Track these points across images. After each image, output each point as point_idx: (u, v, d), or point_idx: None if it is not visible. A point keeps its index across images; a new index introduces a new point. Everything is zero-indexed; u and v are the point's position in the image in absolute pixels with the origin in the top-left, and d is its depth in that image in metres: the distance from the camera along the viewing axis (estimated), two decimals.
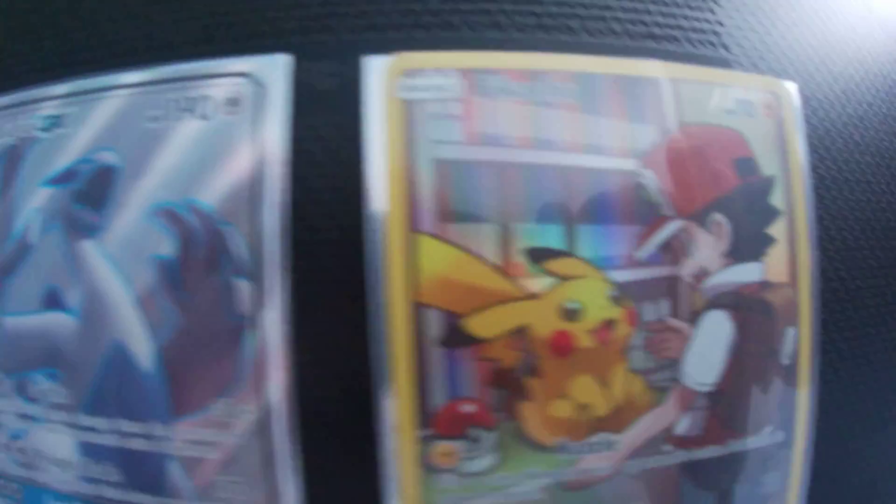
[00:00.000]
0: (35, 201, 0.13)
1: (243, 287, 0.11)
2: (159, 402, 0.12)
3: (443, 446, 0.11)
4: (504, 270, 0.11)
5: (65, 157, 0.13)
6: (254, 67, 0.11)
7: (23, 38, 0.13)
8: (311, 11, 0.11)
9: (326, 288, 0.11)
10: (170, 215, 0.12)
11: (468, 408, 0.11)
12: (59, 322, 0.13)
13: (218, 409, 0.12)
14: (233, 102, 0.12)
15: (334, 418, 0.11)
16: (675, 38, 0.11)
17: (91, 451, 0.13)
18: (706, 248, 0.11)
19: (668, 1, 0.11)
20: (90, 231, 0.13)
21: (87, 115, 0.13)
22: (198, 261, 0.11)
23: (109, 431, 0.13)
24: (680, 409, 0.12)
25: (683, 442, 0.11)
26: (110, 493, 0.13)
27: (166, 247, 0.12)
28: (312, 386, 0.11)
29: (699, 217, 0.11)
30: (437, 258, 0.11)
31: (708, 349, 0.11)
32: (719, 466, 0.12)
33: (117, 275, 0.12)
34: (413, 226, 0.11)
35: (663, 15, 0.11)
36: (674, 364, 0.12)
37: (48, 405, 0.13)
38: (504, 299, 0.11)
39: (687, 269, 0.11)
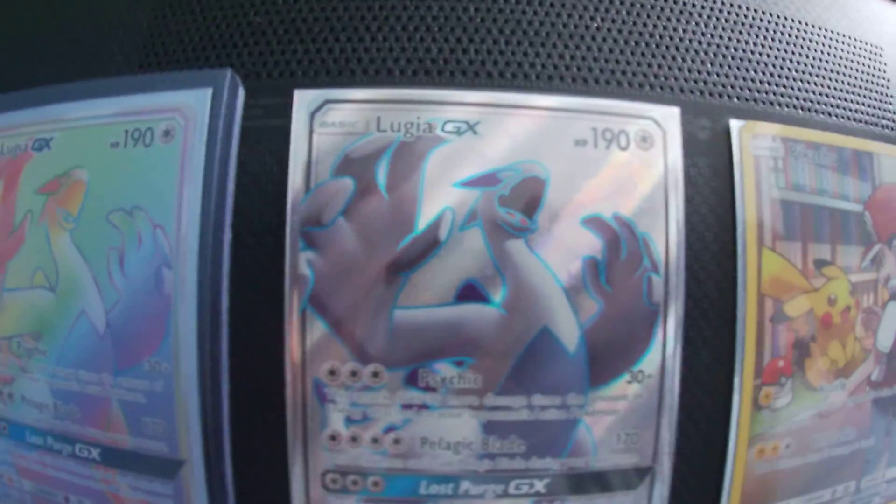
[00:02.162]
0: (446, 199, 0.16)
1: (657, 283, 0.16)
2: (578, 376, 0.16)
3: (765, 390, 0.18)
4: (804, 273, 0.18)
5: (481, 163, 0.16)
6: (660, 117, 0.16)
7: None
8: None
9: (700, 285, 0.17)
10: (600, 224, 0.16)
11: (781, 363, 0.18)
12: (479, 313, 0.16)
13: (626, 378, 0.16)
14: (644, 138, 0.17)
15: (704, 379, 0.17)
16: (881, 127, 0.20)
17: (495, 429, 0.16)
18: (891, 263, 0.21)
19: (874, 102, 0.20)
20: (519, 232, 0.16)
21: (502, 127, 0.16)
22: (622, 260, 0.16)
23: (521, 407, 0.16)
24: (874, 364, 0.20)
25: (875, 385, 0.20)
26: (508, 463, 0.17)
27: (594, 247, 0.16)
28: (693, 359, 0.17)
29: (888, 242, 0.21)
30: (772, 264, 0.18)
31: (888, 325, 0.21)
32: (890, 401, 0.21)
33: (548, 271, 0.16)
34: (760, 242, 0.17)
35: (876, 111, 0.19)
36: (873, 334, 0.20)
37: (450, 392, 0.16)
38: (803, 291, 0.18)
39: (881, 275, 0.20)
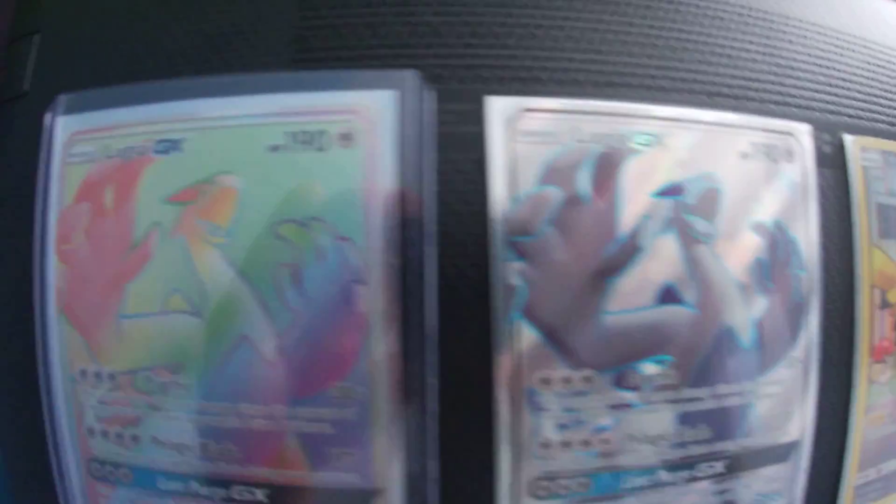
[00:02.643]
0: (642, 208, 0.17)
1: (805, 279, 0.19)
2: (752, 364, 0.18)
3: (875, 367, 0.21)
4: None
5: (672, 173, 0.17)
6: (799, 133, 0.18)
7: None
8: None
9: (829, 278, 0.19)
10: (763, 229, 0.18)
11: (885, 343, 0.21)
12: (676, 314, 0.17)
13: (783, 364, 0.18)
14: (790, 152, 0.19)
15: (834, 359, 0.19)
16: None
17: (688, 419, 0.18)
18: None
19: None
20: (705, 238, 0.18)
21: (683, 140, 0.18)
22: (779, 261, 0.18)
23: (709, 397, 0.18)
24: None
25: None
26: (697, 450, 0.18)
27: (760, 250, 0.18)
28: (825, 342, 0.19)
29: None
30: (878, 259, 0.21)
31: None
32: None
33: (726, 271, 0.17)
34: (870, 241, 0.20)
35: None
36: None
37: (653, 388, 0.17)
38: None
39: None
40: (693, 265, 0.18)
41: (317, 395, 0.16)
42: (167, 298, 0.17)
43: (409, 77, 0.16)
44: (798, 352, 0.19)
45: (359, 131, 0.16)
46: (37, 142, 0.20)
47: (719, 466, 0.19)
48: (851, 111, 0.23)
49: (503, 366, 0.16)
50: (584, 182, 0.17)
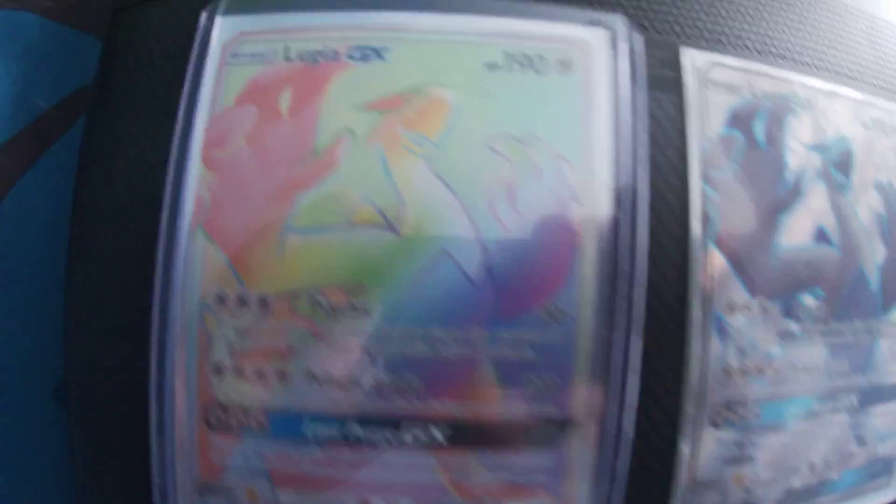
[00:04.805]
0: (802, 159, 0.19)
1: None
2: (878, 304, 0.21)
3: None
4: None
5: (821, 133, 0.20)
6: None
7: None
8: None
9: None
10: (882, 188, 0.22)
11: None
12: (827, 254, 0.20)
13: None
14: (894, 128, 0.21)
15: None
16: None
17: (834, 352, 0.19)
18: None
19: None
20: (843, 189, 0.20)
21: (832, 108, 0.20)
22: (893, 216, 0.20)
23: (849, 332, 0.19)
24: None
25: None
26: (840, 382, 0.20)
27: (880, 206, 0.20)
28: None
29: None
30: None
31: None
32: None
33: (860, 220, 0.19)
34: None
35: None
36: None
37: (811, 319, 0.18)
38: None
39: None
40: (837, 212, 0.21)
41: (521, 317, 0.16)
42: (355, 210, 0.16)
43: (621, 21, 0.17)
44: None
45: (577, 60, 0.17)
46: (179, 46, 0.18)
47: (854, 400, 0.22)
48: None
49: (698, 289, 0.18)
50: (759, 130, 0.19)
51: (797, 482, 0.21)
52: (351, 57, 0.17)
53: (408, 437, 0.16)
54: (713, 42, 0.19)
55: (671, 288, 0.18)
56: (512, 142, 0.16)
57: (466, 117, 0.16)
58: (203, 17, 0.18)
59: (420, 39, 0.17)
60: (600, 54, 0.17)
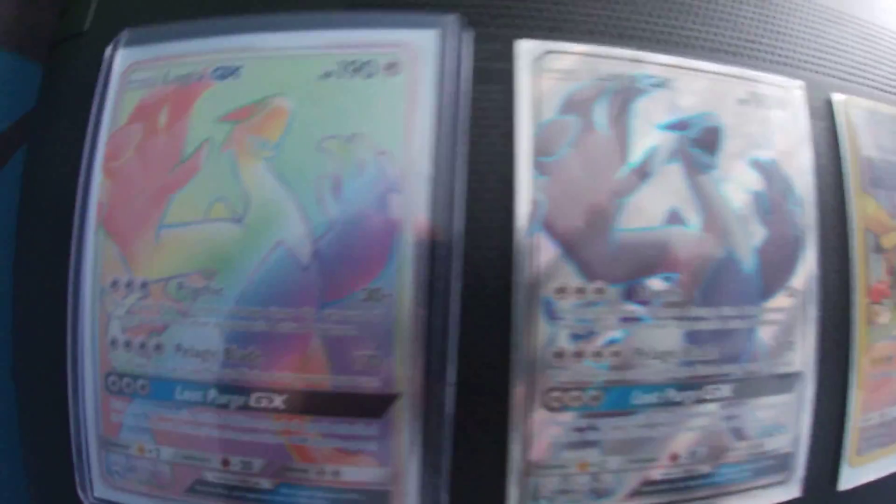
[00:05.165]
0: (651, 139, 0.20)
1: (800, 214, 0.21)
2: (754, 289, 0.20)
3: (873, 308, 0.22)
4: (891, 213, 0.23)
5: (677, 111, 0.20)
6: (793, 87, 0.21)
7: None
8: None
9: (824, 218, 0.21)
10: (761, 165, 0.21)
11: (882, 286, 0.22)
12: (682, 235, 0.20)
13: (783, 293, 0.20)
14: (783, 104, 0.20)
15: (831, 297, 0.21)
16: None
17: (694, 338, 0.19)
18: None
19: None
20: (707, 169, 0.20)
21: (690, 84, 0.20)
22: (776, 195, 0.21)
23: (714, 318, 0.19)
24: None
25: None
26: (704, 370, 0.19)
27: (758, 184, 0.20)
28: (823, 278, 0.21)
29: None
30: (869, 205, 0.22)
31: None
32: None
33: (726, 200, 0.20)
34: (862, 187, 0.22)
35: None
36: None
37: (661, 304, 0.18)
38: (891, 229, 0.24)
39: None
40: (697, 192, 0.20)
41: (346, 297, 0.18)
42: (210, 207, 0.19)
43: (451, 19, 0.19)
44: (797, 282, 0.21)
45: (403, 62, 0.18)
46: (93, 75, 0.23)
47: (726, 390, 0.21)
48: (841, 74, 0.26)
49: (525, 275, 0.18)
50: (600, 113, 0.19)
51: (656, 473, 0.20)
52: (213, 76, 0.20)
53: (255, 404, 0.19)
54: (553, 30, 0.20)
55: (495, 271, 0.18)
56: (339, 141, 0.18)
57: (301, 122, 0.19)
58: (108, 50, 0.23)
59: (267, 56, 0.19)
60: (427, 54, 0.19)
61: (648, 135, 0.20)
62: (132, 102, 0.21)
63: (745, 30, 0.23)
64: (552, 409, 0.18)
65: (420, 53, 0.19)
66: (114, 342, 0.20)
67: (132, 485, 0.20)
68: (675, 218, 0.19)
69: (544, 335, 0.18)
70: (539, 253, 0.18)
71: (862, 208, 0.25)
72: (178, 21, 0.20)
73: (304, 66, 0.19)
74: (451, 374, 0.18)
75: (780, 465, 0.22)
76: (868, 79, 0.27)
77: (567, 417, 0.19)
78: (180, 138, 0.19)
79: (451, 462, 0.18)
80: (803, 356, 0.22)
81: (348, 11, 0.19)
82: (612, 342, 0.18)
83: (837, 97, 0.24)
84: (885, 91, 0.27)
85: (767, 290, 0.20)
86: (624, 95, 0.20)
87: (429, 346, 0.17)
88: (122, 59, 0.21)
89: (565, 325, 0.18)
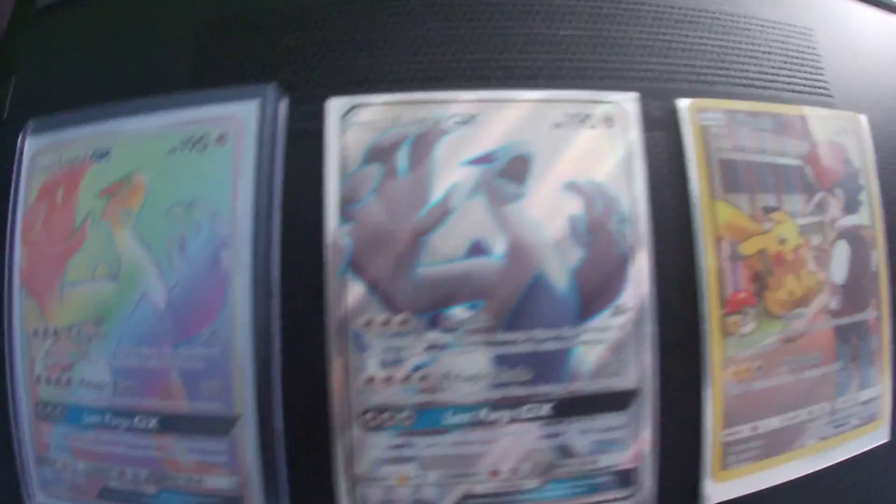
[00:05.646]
0: (454, 176, 0.25)
1: (628, 232, 0.24)
2: (570, 311, 0.24)
3: (732, 318, 0.26)
4: (754, 218, 0.26)
5: (482, 145, 0.25)
6: (621, 100, 0.25)
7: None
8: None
9: (664, 232, 0.24)
10: (578, 188, 0.24)
11: (742, 295, 0.26)
12: (485, 265, 0.24)
13: (609, 312, 0.23)
14: (608, 119, 0.24)
15: (676, 311, 0.24)
16: (813, 94, 0.28)
17: (505, 361, 0.24)
18: (834, 207, 0.28)
19: (806, 75, 0.28)
20: (513, 198, 0.24)
21: (497, 116, 0.25)
22: (598, 215, 0.24)
23: (525, 341, 0.23)
24: (830, 295, 0.28)
25: (834, 314, 0.28)
26: (518, 391, 0.24)
27: (574, 206, 0.24)
28: (664, 293, 0.24)
29: (830, 190, 0.29)
30: (725, 212, 0.26)
31: (839, 260, 0.28)
32: (851, 328, 0.28)
33: (538, 228, 0.23)
34: (712, 194, 0.25)
35: (808, 82, 0.28)
36: (826, 269, 0.28)
37: (466, 331, 0.24)
38: (754, 234, 0.26)
39: (827, 218, 0.28)
40: (502, 222, 0.24)
41: (192, 337, 0.25)
42: (95, 268, 0.27)
43: (268, 89, 0.25)
44: (627, 300, 0.24)
45: (230, 133, 0.25)
46: (11, 157, 0.31)
47: (546, 409, 0.24)
48: (693, 77, 0.28)
49: (335, 311, 0.24)
50: (402, 158, 0.24)
51: (479, 487, 0.24)
52: (92, 158, 0.27)
53: (137, 425, 0.26)
54: (363, 83, 0.25)
55: (310, 310, 0.24)
56: (182, 207, 0.25)
57: (154, 193, 0.26)
58: (20, 137, 0.30)
59: (129, 138, 0.27)
60: (249, 124, 0.25)
61: (451, 172, 0.24)
62: (38, 184, 0.29)
63: (567, 51, 0.26)
64: (369, 429, 0.24)
65: (243, 124, 0.25)
66: (38, 378, 0.28)
67: (61, 493, 0.28)
68: (477, 249, 0.24)
69: (355, 364, 0.23)
70: (347, 291, 0.24)
71: (712, 216, 0.27)
72: (69, 110, 0.28)
73: (156, 144, 0.26)
74: (278, 399, 0.24)
75: (621, 480, 0.25)
76: (729, 76, 0.29)
77: (384, 436, 0.24)
78: (72, 212, 0.27)
79: (290, 474, 0.24)
80: (639, 373, 0.25)
81: (190, 91, 0.26)
82: (418, 368, 0.23)
83: (683, 103, 0.26)
84: (750, 86, 0.28)
85: (588, 311, 0.24)
86: (428, 137, 0.24)
87: (258, 375, 0.24)
88: (28, 146, 0.29)
89: (373, 354, 0.23)
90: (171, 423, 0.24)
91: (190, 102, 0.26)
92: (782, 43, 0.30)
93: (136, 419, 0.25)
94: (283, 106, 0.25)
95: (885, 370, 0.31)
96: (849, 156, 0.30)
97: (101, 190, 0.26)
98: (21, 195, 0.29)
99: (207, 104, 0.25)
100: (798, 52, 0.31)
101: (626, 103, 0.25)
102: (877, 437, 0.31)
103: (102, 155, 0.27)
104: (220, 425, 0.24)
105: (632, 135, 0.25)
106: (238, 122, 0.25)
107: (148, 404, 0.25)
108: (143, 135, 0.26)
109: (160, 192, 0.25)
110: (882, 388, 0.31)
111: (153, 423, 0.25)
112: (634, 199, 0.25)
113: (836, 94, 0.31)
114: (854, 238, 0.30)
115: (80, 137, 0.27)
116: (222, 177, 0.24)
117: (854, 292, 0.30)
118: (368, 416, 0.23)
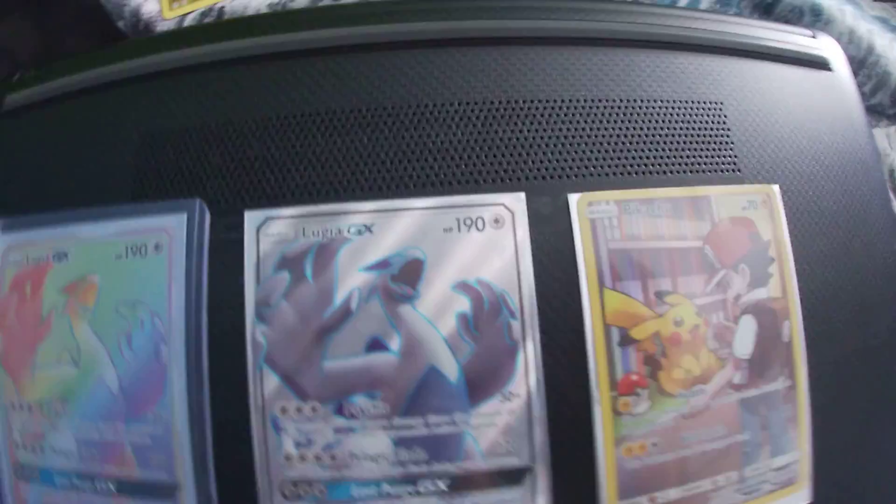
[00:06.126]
0: (354, 282, 0.31)
1: (514, 325, 0.29)
2: (461, 398, 0.30)
3: (623, 399, 0.30)
4: (647, 304, 0.30)
5: (377, 252, 0.31)
6: (509, 202, 0.31)
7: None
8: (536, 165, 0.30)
9: (553, 323, 0.29)
10: (467, 287, 0.30)
11: (634, 377, 0.31)
12: (382, 359, 0.31)
13: (499, 398, 0.29)
14: (497, 220, 0.30)
15: (569, 395, 0.29)
16: (719, 172, 0.32)
17: (402, 443, 0.30)
18: (738, 283, 0.32)
19: (712, 153, 0.32)
20: (407, 299, 0.30)
21: (392, 225, 0.31)
22: (486, 312, 0.29)
23: (421, 425, 0.29)
24: (734, 369, 0.32)
25: (738, 387, 0.32)
26: (416, 469, 0.30)
27: (463, 305, 0.29)
28: (555, 379, 0.29)
29: (734, 267, 0.33)
30: (614, 301, 0.30)
31: (745, 336, 0.32)
32: (759, 400, 0.32)
33: (430, 325, 0.29)
34: (601, 284, 0.30)
35: (715, 159, 0.32)
36: (729, 345, 0.32)
37: (367, 417, 0.30)
38: (647, 318, 0.31)
39: (730, 295, 0.32)
40: (397, 321, 0.31)
41: (141, 417, 0.32)
42: (59, 354, 0.35)
43: (194, 203, 0.33)
44: (515, 387, 0.31)
45: (164, 242, 0.34)
46: None
47: (442, 484, 0.31)
48: (582, 169, 0.33)
49: (255, 399, 0.31)
50: (308, 266, 0.32)
51: None
52: (53, 259, 0.35)
53: (99, 488, 0.34)
54: (274, 198, 0.33)
55: (235, 397, 0.31)
56: (129, 305, 0.33)
57: (105, 292, 0.34)
58: None
59: (84, 242, 0.35)
60: (180, 234, 0.32)
61: (351, 278, 0.32)
62: (10, 277, 0.38)
63: (460, 156, 0.33)
64: (288, 498, 0.31)
65: (175, 234, 0.33)
66: (16, 444, 0.38)
67: None
68: (376, 345, 0.31)
69: (273, 443, 0.31)
70: (264, 382, 0.31)
71: (600, 305, 0.32)
72: (31, 211, 0.37)
73: (105, 250, 0.35)
74: (211, 472, 0.31)
75: None
76: (624, 164, 0.33)
77: None
78: (38, 305, 0.36)
79: None
80: (531, 452, 0.31)
81: (133, 203, 0.34)
82: (328, 448, 0.31)
83: (571, 198, 0.32)
84: (647, 172, 0.33)
85: (477, 398, 0.31)
86: (330, 246, 0.32)
87: (194, 452, 0.31)
88: (1, 243, 0.38)
89: (289, 435, 0.31)
90: (125, 488, 0.33)
91: (131, 213, 0.34)
92: (686, 122, 0.36)
93: (97, 482, 0.34)
94: (207, 218, 0.33)
95: (801, 436, 0.36)
96: (757, 229, 0.36)
97: (62, 287, 0.36)
98: (1, 285, 0.40)
99: (146, 216, 0.34)
100: (704, 128, 0.36)
101: (514, 203, 0.32)
102: (797, 498, 0.36)
103: (62, 256, 0.36)
104: (166, 491, 0.32)
105: (520, 233, 0.32)
106: (171, 232, 0.33)
107: (107, 470, 0.34)
108: (94, 241, 0.35)
109: (110, 291, 0.34)
110: (799, 453, 0.36)
111: (112, 486, 0.34)
112: (522, 294, 0.31)
113: (744, 168, 0.36)
114: (762, 311, 0.36)
115: (42, 239, 0.37)
116: (160, 280, 0.33)
117: (762, 365, 0.35)
118: (288, 487, 0.31)
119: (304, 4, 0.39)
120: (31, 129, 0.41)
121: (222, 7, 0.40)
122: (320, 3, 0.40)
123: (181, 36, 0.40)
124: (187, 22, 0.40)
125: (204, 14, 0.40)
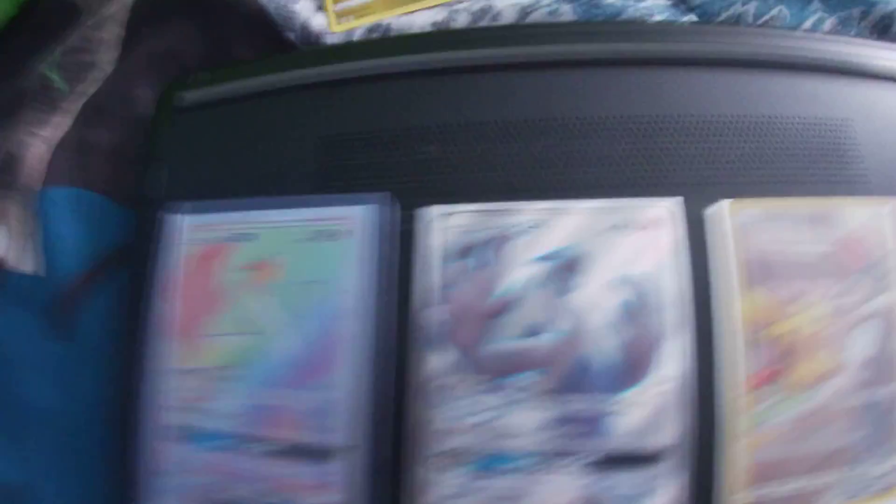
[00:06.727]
0: (525, 271, 0.36)
1: (670, 317, 0.34)
2: (614, 380, 0.35)
3: (753, 394, 0.34)
4: (783, 304, 0.34)
5: (547, 246, 0.36)
6: (668, 205, 0.36)
7: None
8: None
9: (701, 317, 0.34)
10: (626, 280, 0.35)
11: (766, 372, 0.34)
12: (546, 341, 0.35)
13: (650, 381, 0.33)
14: (656, 222, 0.33)
15: (709, 385, 0.33)
16: (850, 184, 0.37)
17: (557, 420, 0.35)
18: (865, 289, 0.36)
19: (844, 167, 0.36)
20: (571, 289, 0.34)
21: (560, 223, 0.36)
22: (643, 303, 0.35)
23: (576, 402, 0.34)
24: (857, 371, 0.35)
25: (859, 388, 0.35)
26: (567, 445, 0.34)
27: (623, 295, 0.34)
28: (700, 370, 0.34)
29: (862, 273, 0.36)
30: (755, 299, 0.33)
31: (868, 339, 0.35)
32: (878, 403, 0.35)
33: (591, 312, 0.34)
34: (748, 283, 0.33)
35: (845, 172, 0.36)
36: (854, 347, 0.35)
37: (527, 393, 0.34)
38: (782, 318, 0.34)
39: (857, 299, 0.36)
40: (561, 307, 0.36)
41: (316, 383, 0.37)
42: (239, 325, 0.40)
43: (387, 197, 0.38)
44: (664, 374, 0.34)
45: (355, 229, 0.38)
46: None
47: (591, 460, 0.34)
48: (731, 179, 0.36)
49: (427, 369, 0.35)
50: (485, 254, 0.37)
51: None
52: (238, 240, 0.40)
53: (258, 451, 0.38)
54: (451, 195, 0.38)
55: (415, 368, 0.34)
56: (315, 283, 0.38)
57: (291, 269, 0.39)
58: (178, 217, 0.43)
59: (274, 226, 0.40)
60: (372, 222, 0.38)
61: (523, 267, 0.36)
62: (193, 254, 0.43)
63: (621, 164, 0.37)
64: (439, 471, 0.35)
65: (367, 222, 0.38)
66: (167, 407, 0.42)
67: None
68: (541, 328, 0.36)
69: (439, 413, 0.35)
70: (440, 356, 0.36)
71: (741, 304, 0.35)
72: (212, 198, 0.42)
73: (292, 233, 0.40)
74: (388, 435, 0.35)
75: None
76: (766, 176, 0.36)
77: (449, 475, 0.35)
78: (220, 280, 0.41)
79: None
80: (674, 434, 0.34)
81: (318, 193, 0.39)
82: (487, 420, 0.35)
83: (723, 204, 0.36)
84: (787, 182, 0.35)
85: (629, 381, 0.35)
86: (505, 238, 0.37)
87: (374, 416, 0.36)
88: (186, 223, 0.43)
89: (454, 406, 0.35)
90: (291, 450, 0.37)
91: (322, 203, 0.40)
92: (819, 138, 0.39)
93: (259, 445, 0.38)
94: (398, 209, 0.38)
95: None
96: (884, 238, 0.39)
97: (246, 264, 0.40)
98: (179, 260, 0.44)
99: (337, 205, 0.39)
100: (835, 144, 0.39)
101: (672, 207, 0.36)
102: None
103: (251, 238, 0.41)
104: (330, 454, 0.37)
105: (677, 234, 0.36)
106: (361, 220, 0.39)
107: (272, 433, 0.38)
108: (284, 225, 0.40)
109: (296, 269, 0.39)
110: None
111: (274, 448, 0.38)
112: (676, 288, 0.36)
113: (873, 181, 0.39)
114: (886, 316, 0.39)
115: (224, 222, 0.42)
116: (349, 262, 0.38)
117: (883, 368, 0.38)
118: (440, 459, 0.36)
119: (463, 25, 0.44)
120: (209, 126, 0.46)
121: (389, 24, 0.44)
122: (479, 24, 0.45)
123: (359, 48, 0.45)
124: (355, 36, 0.45)
125: (370, 30, 0.45)
